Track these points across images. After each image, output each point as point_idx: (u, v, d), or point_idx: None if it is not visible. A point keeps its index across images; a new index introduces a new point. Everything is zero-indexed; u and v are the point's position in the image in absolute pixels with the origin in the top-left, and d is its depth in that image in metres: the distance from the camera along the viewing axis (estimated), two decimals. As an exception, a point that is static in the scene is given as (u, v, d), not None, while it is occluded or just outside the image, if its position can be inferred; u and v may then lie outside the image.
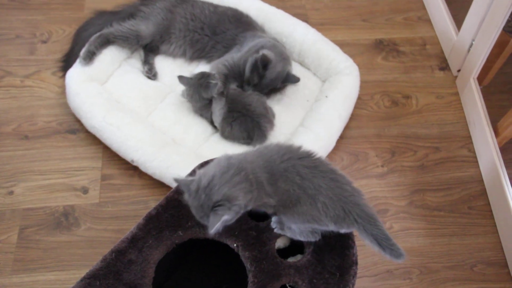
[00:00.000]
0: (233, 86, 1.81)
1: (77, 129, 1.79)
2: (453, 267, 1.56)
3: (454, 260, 1.57)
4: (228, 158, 1.08)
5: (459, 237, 1.61)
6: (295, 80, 1.79)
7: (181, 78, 1.75)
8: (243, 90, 1.78)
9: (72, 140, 1.78)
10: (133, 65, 1.92)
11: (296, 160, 1.09)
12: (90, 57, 1.81)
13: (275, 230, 1.20)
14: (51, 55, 1.99)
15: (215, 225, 0.99)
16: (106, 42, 1.86)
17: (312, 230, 1.16)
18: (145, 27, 1.87)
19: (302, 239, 1.18)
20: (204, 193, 1.02)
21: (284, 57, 1.79)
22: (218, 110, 1.72)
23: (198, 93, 1.71)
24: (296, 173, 1.07)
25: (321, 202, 1.06)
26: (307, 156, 1.11)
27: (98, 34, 1.86)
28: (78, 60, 1.82)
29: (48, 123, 1.81)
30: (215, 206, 1.01)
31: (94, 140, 1.75)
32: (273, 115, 1.76)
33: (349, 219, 1.07)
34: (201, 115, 1.79)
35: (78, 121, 1.78)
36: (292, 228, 1.17)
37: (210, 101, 1.74)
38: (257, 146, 1.17)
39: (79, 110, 1.73)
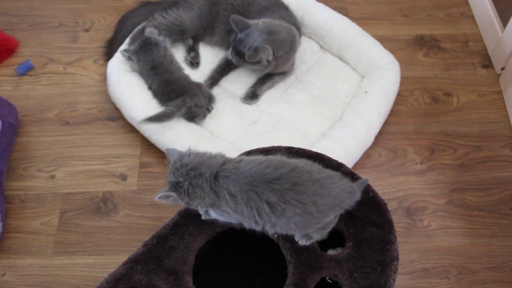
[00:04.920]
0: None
1: (117, 117, 1.82)
2: (493, 269, 1.53)
3: (494, 261, 1.54)
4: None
5: (499, 238, 1.58)
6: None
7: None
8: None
9: (112, 127, 1.80)
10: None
11: (265, 185, 1.02)
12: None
13: (300, 243, 1.16)
14: (93, 43, 2.02)
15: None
16: None
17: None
18: (189, 21, 1.86)
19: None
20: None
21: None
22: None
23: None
24: (265, 200, 1.03)
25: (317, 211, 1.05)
26: (281, 177, 1.03)
27: (140, 27, 1.87)
28: (120, 52, 1.83)
29: (89, 110, 1.84)
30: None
31: (133, 128, 1.76)
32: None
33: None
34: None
35: (118, 109, 1.81)
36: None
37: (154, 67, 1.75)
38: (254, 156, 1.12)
39: (119, 100, 1.75)
